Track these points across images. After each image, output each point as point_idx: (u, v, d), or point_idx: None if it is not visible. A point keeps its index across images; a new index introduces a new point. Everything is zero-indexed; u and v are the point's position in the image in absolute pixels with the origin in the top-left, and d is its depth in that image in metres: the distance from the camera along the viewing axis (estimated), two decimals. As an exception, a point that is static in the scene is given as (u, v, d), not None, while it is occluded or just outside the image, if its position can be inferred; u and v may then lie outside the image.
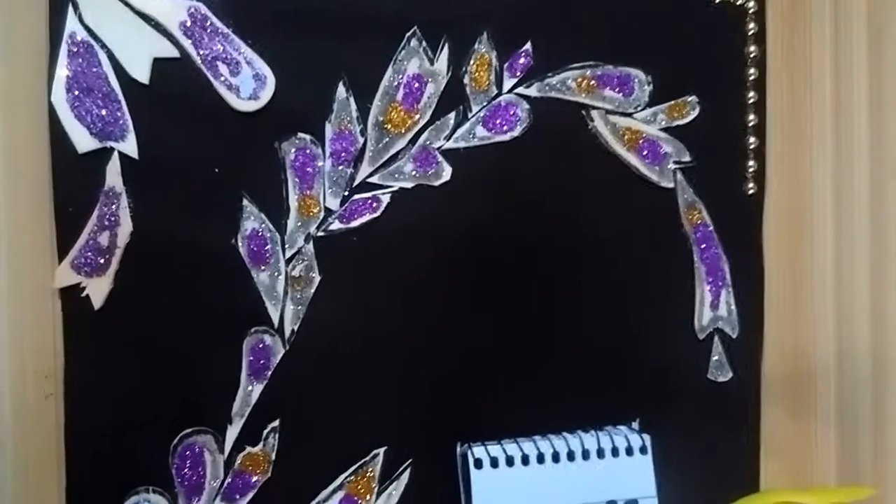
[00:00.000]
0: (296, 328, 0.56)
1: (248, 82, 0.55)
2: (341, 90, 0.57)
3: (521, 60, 0.60)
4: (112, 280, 0.54)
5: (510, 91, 0.60)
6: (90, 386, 0.54)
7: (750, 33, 0.64)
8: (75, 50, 0.53)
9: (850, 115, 0.66)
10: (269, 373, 0.56)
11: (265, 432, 0.56)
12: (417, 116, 0.58)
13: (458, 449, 0.59)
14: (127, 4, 0.53)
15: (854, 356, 0.66)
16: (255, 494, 0.56)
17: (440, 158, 0.58)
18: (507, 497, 0.57)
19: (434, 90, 0.58)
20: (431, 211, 0.59)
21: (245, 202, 0.55)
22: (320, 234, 0.57)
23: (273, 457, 0.56)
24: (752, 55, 0.64)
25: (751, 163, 0.64)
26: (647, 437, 0.60)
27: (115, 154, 0.53)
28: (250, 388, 0.56)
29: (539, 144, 0.60)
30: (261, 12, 0.55)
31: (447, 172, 0.59)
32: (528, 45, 0.60)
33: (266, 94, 0.55)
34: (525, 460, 0.58)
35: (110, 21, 0.53)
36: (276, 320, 0.56)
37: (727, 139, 0.64)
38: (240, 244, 0.56)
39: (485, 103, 0.59)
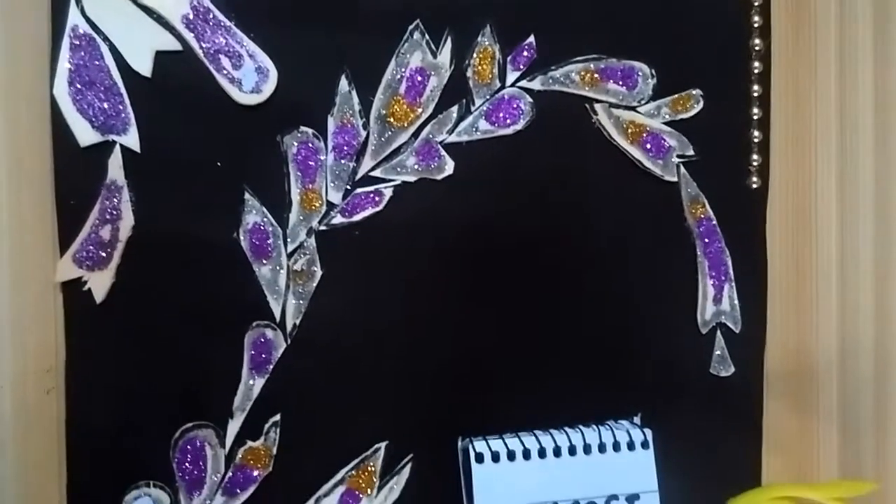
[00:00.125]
0: (297, 322, 0.56)
1: (250, 75, 0.55)
2: (344, 83, 0.56)
3: (525, 53, 0.59)
4: (114, 274, 0.54)
5: (513, 84, 0.59)
6: (91, 380, 0.54)
7: (755, 26, 0.64)
8: (77, 43, 0.53)
9: (855, 108, 0.66)
10: (271, 367, 0.56)
11: (266, 426, 0.56)
12: (420, 110, 0.58)
13: (460, 443, 0.59)
14: (129, -3, 0.53)
15: (857, 352, 0.66)
16: (257, 489, 0.56)
17: (443, 152, 0.58)
18: (509, 491, 0.57)
19: (437, 83, 0.58)
20: (434, 205, 0.58)
21: (247, 196, 0.55)
22: (322, 228, 0.57)
23: (274, 451, 0.56)
24: (756, 48, 0.64)
25: (755, 157, 0.64)
26: (648, 432, 0.60)
27: (117, 147, 0.53)
28: (251, 382, 0.56)
29: (542, 138, 0.60)
30: (263, 5, 0.55)
31: (450, 166, 0.58)
32: (531, 39, 0.59)
33: (268, 88, 0.55)
34: (526, 454, 0.58)
35: (112, 14, 0.53)
36: (277, 314, 0.56)
37: (731, 133, 0.64)
38: (242, 238, 0.55)
39: (488, 97, 0.59)
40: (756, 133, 0.64)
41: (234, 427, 0.56)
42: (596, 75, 0.61)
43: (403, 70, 0.57)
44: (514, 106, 0.59)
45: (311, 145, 0.56)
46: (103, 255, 0.53)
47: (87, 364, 0.54)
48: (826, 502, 0.60)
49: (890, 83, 0.65)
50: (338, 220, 0.57)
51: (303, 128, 0.56)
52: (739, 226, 0.64)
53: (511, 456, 0.58)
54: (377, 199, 0.57)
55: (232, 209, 0.55)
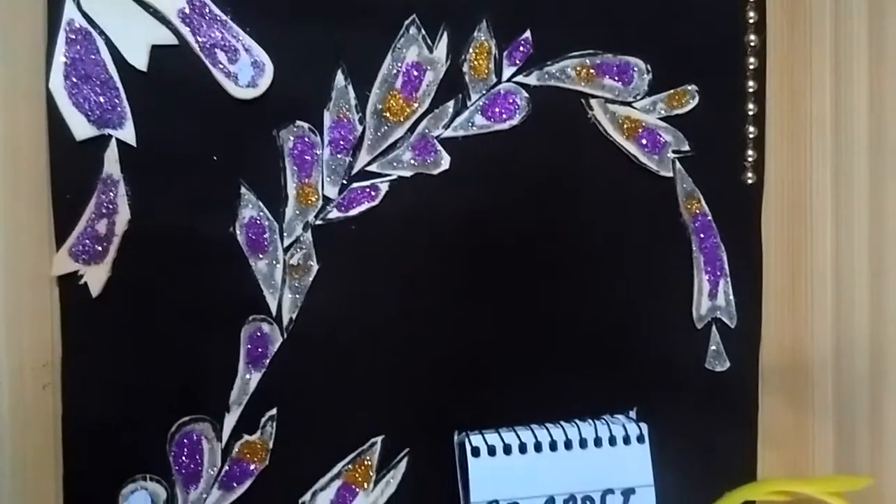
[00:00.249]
0: (294, 317, 0.56)
1: (246, 70, 0.55)
2: (340, 78, 0.56)
3: (521, 49, 0.59)
4: (110, 268, 0.54)
5: (509, 79, 0.59)
6: (88, 374, 0.54)
7: (750, 22, 0.64)
8: (73, 37, 0.53)
9: (850, 104, 0.66)
10: (267, 361, 0.56)
11: (263, 420, 0.56)
12: (416, 105, 0.58)
13: (456, 437, 0.59)
14: (125, -9, 0.53)
15: (852, 348, 0.66)
16: (253, 482, 0.56)
17: (439, 147, 0.58)
18: (505, 485, 0.57)
19: (433, 78, 0.58)
20: (430, 200, 0.58)
21: (243, 190, 0.55)
22: (318, 222, 0.57)
23: (271, 445, 0.56)
24: (751, 44, 0.64)
25: (750, 152, 0.64)
26: (644, 427, 0.60)
27: (113, 141, 0.53)
28: (248, 376, 0.56)
29: (538, 133, 0.60)
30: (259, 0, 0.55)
31: (446, 161, 0.58)
32: (527, 34, 0.59)
33: (264, 82, 0.55)
34: (522, 449, 0.58)
35: (108, 8, 0.53)
36: (274, 309, 0.56)
37: (726, 128, 0.64)
38: (238, 232, 0.55)
39: (484, 92, 0.59)
40: (751, 129, 0.64)
41: (230, 421, 0.56)
42: (592, 71, 0.61)
43: (399, 65, 0.57)
44: (510, 101, 0.59)
45: (307, 140, 0.56)
46: (99, 249, 0.53)
47: (83, 358, 0.54)
48: (821, 497, 0.60)
49: (885, 79, 0.65)
50: (334, 214, 0.57)
51: (299, 122, 0.56)
52: (735, 221, 0.64)
53: (507, 450, 0.58)
54: (373, 193, 0.57)
55: (228, 203, 0.55)
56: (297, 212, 0.56)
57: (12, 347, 0.53)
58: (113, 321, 0.54)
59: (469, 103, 0.59)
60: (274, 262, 0.56)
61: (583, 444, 0.59)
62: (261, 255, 0.56)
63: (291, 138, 0.56)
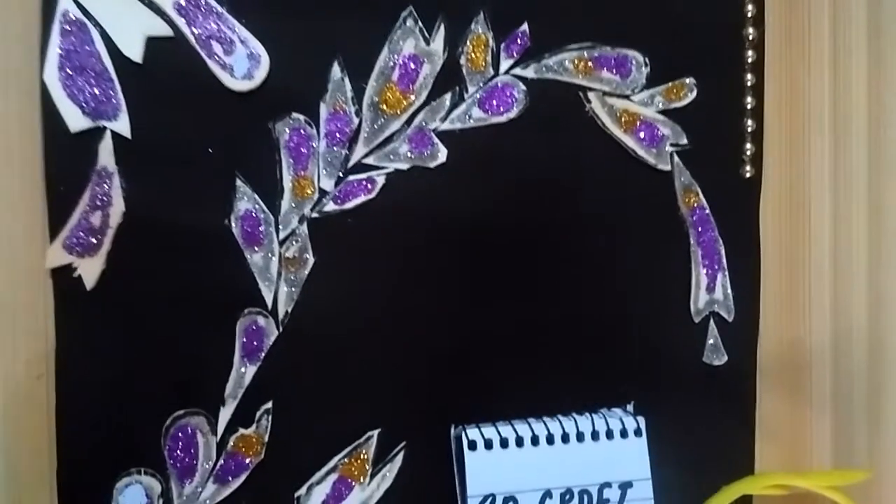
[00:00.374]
0: (289, 310, 0.56)
1: (242, 62, 0.55)
2: (336, 70, 0.56)
3: (518, 41, 0.59)
4: (104, 260, 0.53)
5: (507, 72, 0.59)
6: (82, 367, 0.53)
7: (749, 15, 0.64)
8: (68, 28, 0.52)
9: (849, 98, 0.66)
10: (263, 354, 0.56)
11: (258, 414, 0.56)
12: (413, 97, 0.58)
13: (452, 430, 0.59)
14: (120, -18, 0.53)
15: (850, 340, 0.66)
16: (248, 476, 0.56)
17: (436, 140, 0.58)
18: (501, 479, 0.57)
19: (430, 71, 0.58)
20: (426, 193, 0.58)
21: (238, 183, 0.55)
22: (314, 215, 0.56)
23: (266, 438, 0.56)
24: (750, 37, 0.64)
25: (748, 146, 0.64)
26: (641, 420, 0.60)
27: (108, 133, 0.53)
28: (243, 369, 0.56)
29: (535, 126, 0.60)
30: (255, -9, 0.55)
31: (443, 154, 0.58)
32: (524, 26, 0.59)
33: (260, 74, 0.55)
34: (519, 442, 0.58)
35: (103, -1, 0.53)
36: (269, 302, 0.56)
37: (724, 122, 0.64)
38: (233, 225, 0.55)
39: (481, 84, 0.59)
40: (750, 122, 0.64)
41: (225, 414, 0.56)
42: (589, 63, 0.60)
43: (396, 57, 0.57)
44: (508, 94, 0.59)
45: (303, 132, 0.56)
46: (94, 241, 0.53)
47: (77, 351, 0.53)
48: (819, 490, 0.60)
49: (884, 72, 0.65)
50: (330, 207, 0.57)
51: (295, 114, 0.56)
52: (733, 215, 0.64)
53: (504, 443, 0.58)
54: (369, 186, 0.57)
55: (223, 196, 0.55)
56: (293, 204, 0.56)
57: (6, 339, 0.53)
58: (107, 314, 0.54)
59: (466, 96, 0.58)
60: (269, 255, 0.56)
61: (580, 437, 0.59)
62: (256, 248, 0.56)
63: (287, 130, 0.56)
